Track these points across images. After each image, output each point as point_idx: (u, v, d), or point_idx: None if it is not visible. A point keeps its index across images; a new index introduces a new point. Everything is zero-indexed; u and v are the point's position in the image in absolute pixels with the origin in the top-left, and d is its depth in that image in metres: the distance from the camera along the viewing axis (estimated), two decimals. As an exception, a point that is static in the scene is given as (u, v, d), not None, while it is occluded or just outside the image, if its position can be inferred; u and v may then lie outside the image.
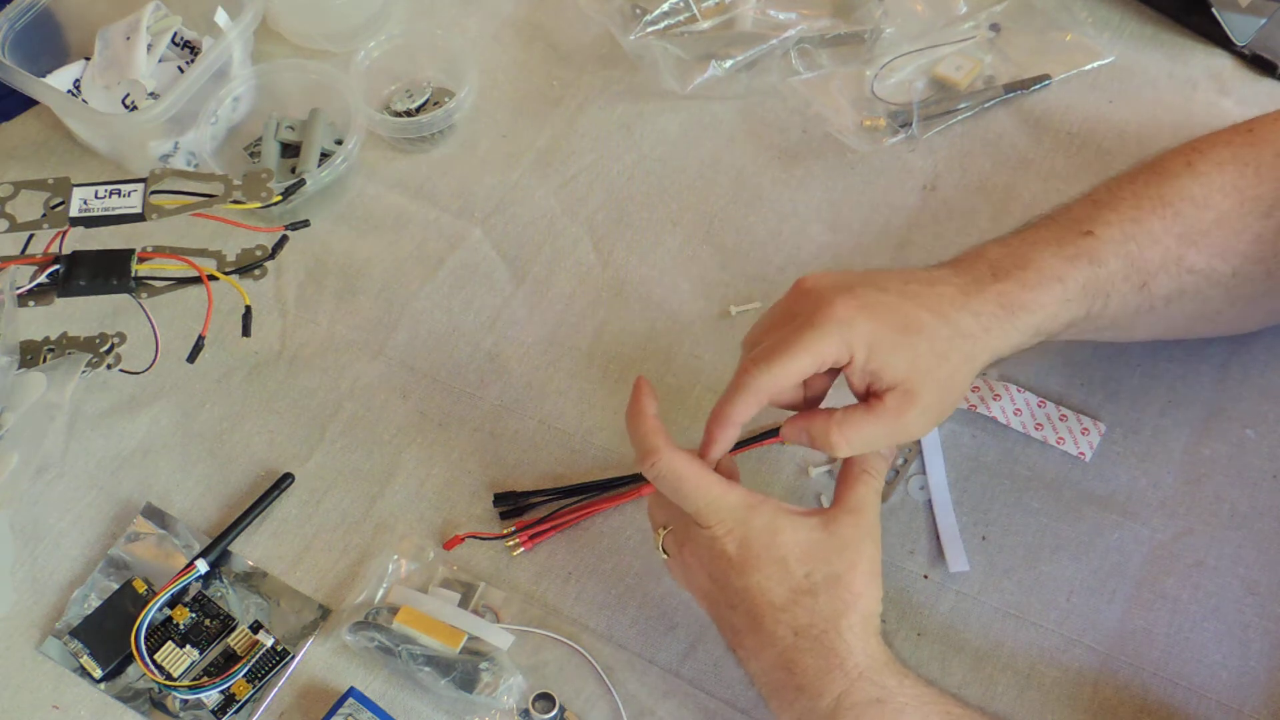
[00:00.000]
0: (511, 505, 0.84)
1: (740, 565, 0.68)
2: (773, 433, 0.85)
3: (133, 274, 0.85)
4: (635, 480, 0.84)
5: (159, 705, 0.79)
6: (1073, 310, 0.72)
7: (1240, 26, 0.99)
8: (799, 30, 1.01)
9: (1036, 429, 0.84)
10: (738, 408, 0.69)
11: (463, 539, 0.83)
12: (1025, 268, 0.71)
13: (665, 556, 0.73)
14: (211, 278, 0.85)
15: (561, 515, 0.83)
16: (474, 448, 0.88)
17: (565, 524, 0.83)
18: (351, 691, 0.77)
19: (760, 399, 0.69)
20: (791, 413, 0.72)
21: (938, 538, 0.81)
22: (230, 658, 0.80)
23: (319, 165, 0.97)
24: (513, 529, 0.83)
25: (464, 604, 0.80)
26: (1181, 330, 0.81)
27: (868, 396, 0.69)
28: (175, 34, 1.03)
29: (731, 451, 0.84)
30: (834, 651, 0.66)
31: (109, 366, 0.89)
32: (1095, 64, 1.00)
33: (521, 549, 0.83)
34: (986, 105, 0.99)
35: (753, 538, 0.68)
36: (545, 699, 0.77)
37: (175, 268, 0.86)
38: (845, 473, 0.72)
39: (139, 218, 0.85)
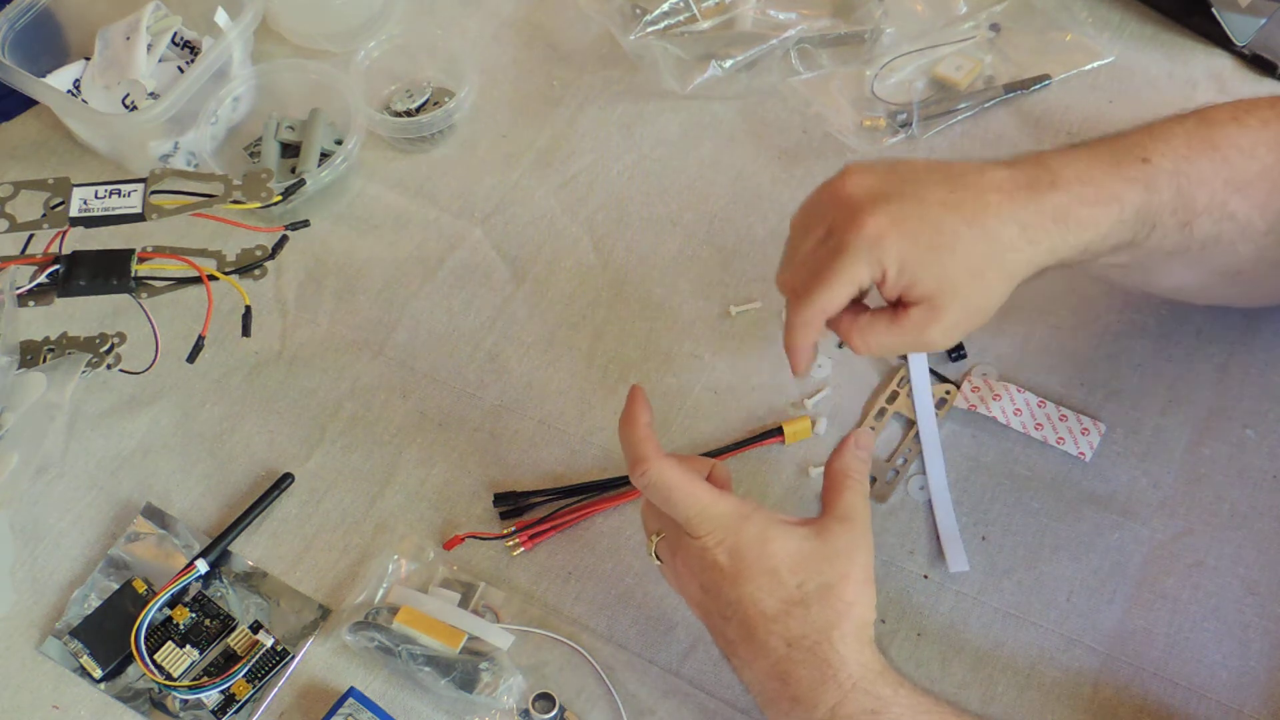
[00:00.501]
0: (511, 505, 0.84)
1: (732, 576, 0.67)
2: (773, 432, 0.85)
3: (133, 274, 0.84)
4: (635, 480, 0.84)
5: (159, 705, 0.79)
6: (1123, 233, 0.70)
7: (1240, 26, 0.99)
8: (799, 30, 1.01)
9: (1036, 429, 0.84)
10: (797, 338, 0.71)
11: (463, 539, 0.83)
12: (1086, 183, 0.69)
13: (658, 562, 0.73)
14: (211, 278, 0.85)
15: (561, 515, 0.83)
16: (474, 448, 0.88)
17: (565, 524, 0.83)
18: (351, 691, 0.77)
19: (814, 327, 0.70)
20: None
21: (938, 538, 0.81)
22: (230, 658, 0.80)
23: (319, 165, 0.97)
24: (513, 529, 0.83)
25: (464, 604, 0.80)
26: (1195, 287, 0.80)
27: (896, 305, 0.69)
28: (175, 34, 1.03)
29: (731, 451, 0.84)
30: (827, 663, 0.66)
31: (109, 366, 0.89)
32: (1095, 64, 1.00)
33: (521, 549, 0.83)
34: (986, 105, 0.99)
35: (744, 548, 0.67)
36: (545, 699, 0.77)
37: (175, 268, 0.86)
38: (830, 480, 0.72)
39: (139, 218, 0.85)
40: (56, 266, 0.85)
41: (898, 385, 0.87)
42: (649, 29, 1.01)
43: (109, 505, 0.87)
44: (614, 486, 0.84)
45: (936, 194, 0.68)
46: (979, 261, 0.67)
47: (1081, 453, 0.83)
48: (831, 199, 0.69)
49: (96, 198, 0.85)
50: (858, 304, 0.70)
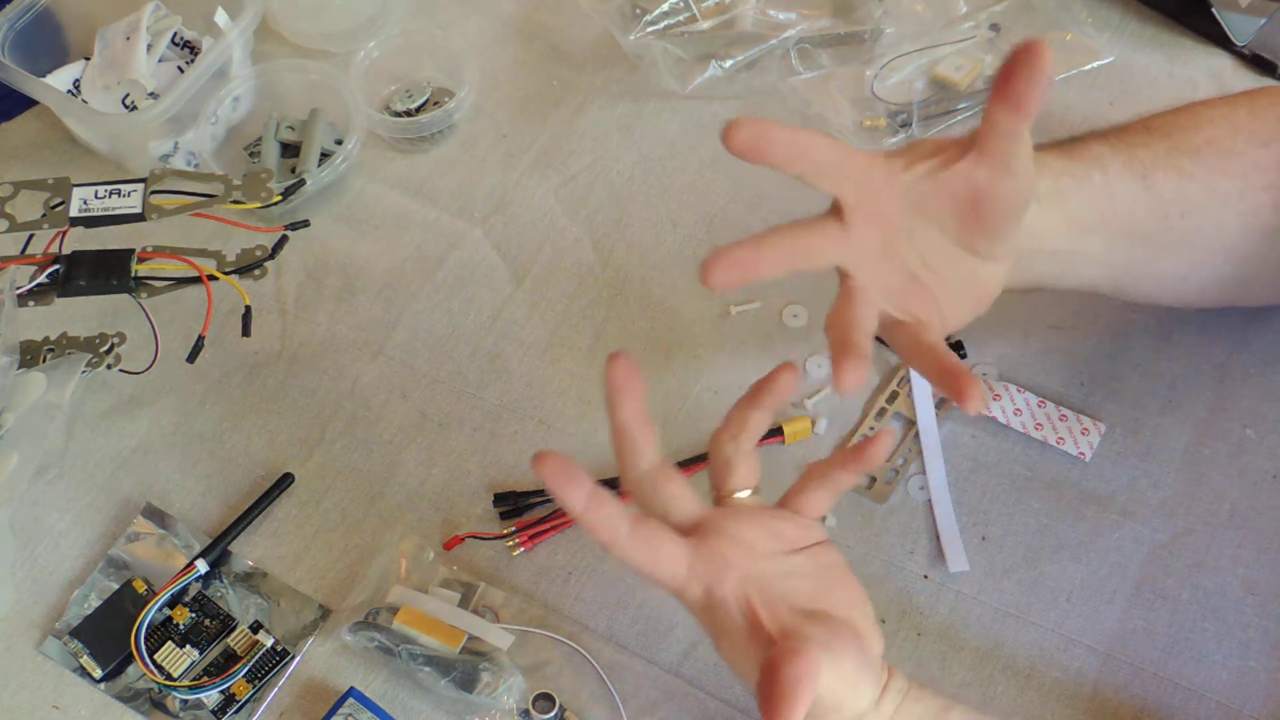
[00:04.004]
0: (511, 505, 0.84)
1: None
2: (773, 432, 0.85)
3: (133, 274, 0.85)
4: (635, 480, 0.84)
5: (159, 705, 0.79)
6: (1098, 200, 0.71)
7: (1240, 26, 0.99)
8: (799, 30, 1.01)
9: (1036, 429, 0.84)
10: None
11: (463, 539, 0.83)
12: (1057, 159, 0.71)
13: None
14: (211, 278, 0.85)
15: (561, 515, 0.83)
16: (474, 448, 0.88)
17: (565, 524, 0.83)
18: (351, 691, 0.77)
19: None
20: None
21: (938, 538, 0.81)
22: (230, 658, 0.80)
23: (319, 165, 0.97)
24: (513, 529, 0.83)
25: (464, 604, 0.80)
26: (1200, 278, 0.78)
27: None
28: (175, 34, 1.03)
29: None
30: None
31: (109, 366, 0.89)
32: (1095, 64, 1.00)
33: (521, 549, 0.83)
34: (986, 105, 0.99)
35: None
36: (545, 699, 0.77)
37: (175, 268, 0.86)
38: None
39: (139, 218, 0.85)
40: (56, 266, 0.85)
41: (898, 385, 0.87)
42: (649, 29, 1.01)
43: (109, 505, 0.87)
44: (614, 486, 0.84)
45: None
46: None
47: (1081, 453, 0.83)
48: None
49: (96, 198, 0.85)
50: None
